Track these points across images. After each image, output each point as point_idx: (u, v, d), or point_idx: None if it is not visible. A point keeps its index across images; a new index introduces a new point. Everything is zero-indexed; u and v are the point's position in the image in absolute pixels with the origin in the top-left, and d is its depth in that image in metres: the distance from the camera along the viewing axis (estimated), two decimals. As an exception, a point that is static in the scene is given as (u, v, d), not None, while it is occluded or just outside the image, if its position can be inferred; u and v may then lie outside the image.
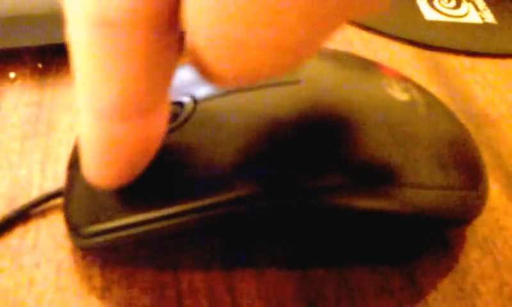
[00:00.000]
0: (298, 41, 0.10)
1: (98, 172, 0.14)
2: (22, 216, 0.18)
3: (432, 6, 0.30)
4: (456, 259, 0.18)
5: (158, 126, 0.13)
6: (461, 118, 0.23)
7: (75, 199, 0.16)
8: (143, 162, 0.14)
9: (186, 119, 0.16)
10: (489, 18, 0.29)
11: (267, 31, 0.09)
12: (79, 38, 0.11)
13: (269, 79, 0.14)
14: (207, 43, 0.10)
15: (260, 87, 0.16)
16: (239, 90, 0.16)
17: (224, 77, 0.11)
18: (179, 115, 0.16)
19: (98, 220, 0.15)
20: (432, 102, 0.18)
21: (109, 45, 0.11)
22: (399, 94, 0.17)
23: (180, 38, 0.12)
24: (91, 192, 0.16)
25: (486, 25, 0.29)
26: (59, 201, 0.18)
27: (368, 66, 0.18)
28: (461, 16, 0.29)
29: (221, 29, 0.09)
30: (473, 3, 0.30)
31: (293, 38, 0.10)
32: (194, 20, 0.10)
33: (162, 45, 0.11)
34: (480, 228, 0.19)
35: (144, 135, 0.13)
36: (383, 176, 0.16)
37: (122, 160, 0.13)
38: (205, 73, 0.12)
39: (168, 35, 0.11)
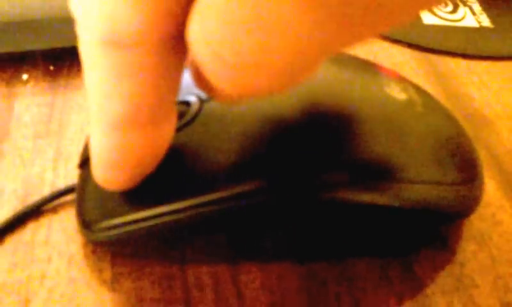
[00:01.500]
0: (302, 64, 0.10)
1: (108, 176, 0.14)
2: (34, 212, 0.18)
3: (430, 10, 0.30)
4: (453, 252, 0.18)
5: (166, 132, 0.13)
6: (458, 117, 0.22)
7: (87, 195, 0.16)
8: (150, 166, 0.14)
9: (193, 118, 0.16)
10: (485, 22, 0.30)
11: (274, 55, 0.09)
12: (89, 55, 0.12)
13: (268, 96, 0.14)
14: (211, 65, 0.10)
15: None
16: None
17: (225, 95, 0.11)
18: (186, 114, 0.16)
19: (108, 215, 0.16)
20: (429, 101, 0.19)
21: (119, 63, 0.11)
22: (397, 93, 0.18)
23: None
24: (102, 188, 0.16)
25: (482, 29, 0.29)
26: (70, 197, 0.18)
27: (367, 67, 0.19)
28: (458, 20, 0.29)
29: (226, 53, 0.09)
30: (470, 8, 0.31)
31: (297, 62, 0.10)
32: (199, 42, 0.10)
33: (169, 61, 0.12)
34: (476, 222, 0.19)
35: (153, 142, 0.13)
36: (382, 172, 0.16)
37: (131, 166, 0.13)
38: (206, 89, 0.12)
39: (175, 52, 0.12)
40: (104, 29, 0.11)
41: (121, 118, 0.12)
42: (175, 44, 0.11)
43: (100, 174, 0.14)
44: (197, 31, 0.10)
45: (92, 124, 0.13)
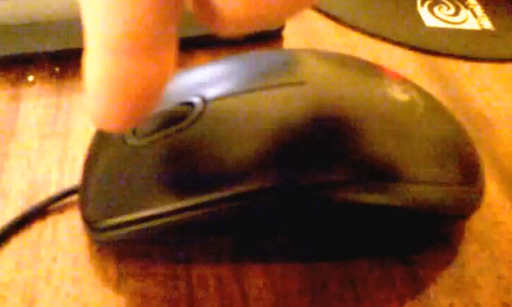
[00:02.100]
0: None
1: (105, 111, 0.13)
2: (40, 212, 0.18)
3: (433, 13, 0.30)
4: (454, 253, 0.18)
5: (166, 63, 0.13)
6: (460, 119, 0.23)
7: (91, 195, 0.17)
8: (149, 103, 0.13)
9: (196, 119, 0.16)
10: (487, 24, 0.30)
11: None
12: None
13: (273, 24, 0.13)
14: None
15: (267, 88, 0.17)
16: (246, 91, 0.17)
17: (229, 19, 0.11)
18: (189, 115, 0.16)
19: (112, 215, 0.16)
20: (431, 102, 0.19)
21: None
22: (399, 95, 0.18)
23: None
24: (106, 188, 0.16)
25: (483, 32, 0.29)
26: (75, 197, 0.18)
27: (369, 68, 0.19)
28: (460, 23, 0.30)
29: None
30: (472, 10, 0.31)
31: None
32: None
33: None
34: (478, 223, 0.19)
35: (152, 73, 0.12)
36: (384, 173, 0.16)
37: (129, 99, 0.12)
38: (206, 16, 0.11)
39: None
40: None
41: (119, 36, 0.11)
42: None
43: (96, 109, 0.13)
44: None
45: (87, 51, 0.12)
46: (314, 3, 0.10)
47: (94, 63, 0.12)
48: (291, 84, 0.17)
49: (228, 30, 0.11)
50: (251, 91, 0.17)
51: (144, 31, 0.11)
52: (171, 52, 0.13)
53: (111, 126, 0.13)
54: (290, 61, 0.18)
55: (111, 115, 0.12)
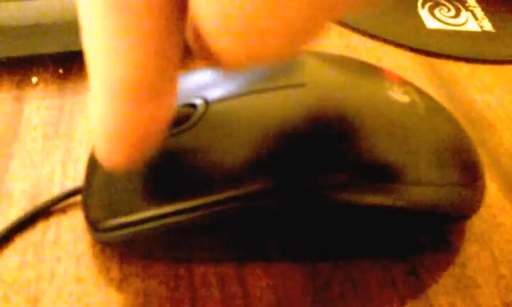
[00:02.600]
0: (308, 23, 0.10)
1: (108, 151, 0.13)
2: (43, 212, 0.18)
3: (433, 15, 0.30)
4: (455, 253, 0.18)
5: (167, 107, 0.13)
6: (460, 120, 0.23)
7: (94, 195, 0.17)
8: (150, 144, 0.14)
9: (198, 120, 0.16)
10: (487, 26, 0.30)
11: (281, 15, 0.09)
12: (91, 18, 0.12)
13: (276, 62, 0.14)
14: (216, 29, 0.10)
15: (268, 90, 0.17)
16: (248, 93, 0.17)
17: (232, 62, 0.11)
18: (192, 116, 0.17)
19: (115, 216, 0.16)
20: (431, 104, 0.19)
21: (122, 27, 0.11)
22: (400, 96, 0.18)
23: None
24: (109, 188, 0.16)
25: (484, 33, 0.29)
26: (79, 198, 0.18)
27: (370, 70, 0.19)
28: (460, 25, 0.30)
29: (233, 18, 0.09)
30: (472, 12, 0.31)
31: (304, 21, 0.09)
32: (204, 7, 0.10)
33: (172, 25, 0.12)
34: (478, 223, 0.19)
35: (155, 114, 0.13)
36: (385, 174, 0.16)
37: (132, 141, 0.13)
38: (206, 55, 0.12)
39: (177, 17, 0.12)
40: None
41: (124, 84, 0.12)
42: (177, 7, 0.11)
43: (100, 148, 0.13)
44: None
45: (92, 95, 0.13)
46: (316, 40, 0.11)
47: (97, 104, 0.12)
48: (292, 86, 0.17)
49: (230, 68, 0.12)
50: (252, 93, 0.17)
51: (149, 74, 0.12)
52: (172, 96, 0.13)
53: (114, 165, 0.13)
54: (292, 63, 0.18)
55: (113, 155, 0.13)
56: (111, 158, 0.13)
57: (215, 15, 0.10)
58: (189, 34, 0.12)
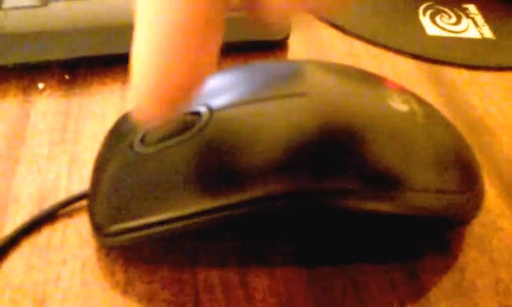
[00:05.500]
0: None
1: (149, 103, 0.13)
2: (49, 216, 0.18)
3: (434, 22, 0.31)
4: (455, 257, 0.18)
5: (208, 62, 0.13)
6: (460, 126, 0.23)
7: (99, 200, 0.17)
8: (188, 96, 0.13)
9: (203, 128, 0.17)
10: (488, 33, 0.30)
11: None
12: None
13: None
14: None
15: (271, 98, 0.17)
16: (251, 101, 0.17)
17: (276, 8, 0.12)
18: (197, 123, 0.17)
19: (120, 220, 0.16)
20: (430, 112, 0.19)
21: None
22: (400, 105, 0.18)
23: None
24: (114, 194, 0.17)
25: (484, 40, 0.29)
26: (84, 202, 0.18)
27: (370, 79, 0.19)
28: (461, 32, 0.30)
29: None
30: (473, 19, 0.31)
31: None
32: None
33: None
34: (477, 228, 0.19)
35: (195, 67, 0.13)
36: (386, 181, 0.16)
37: (172, 91, 0.13)
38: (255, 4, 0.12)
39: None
40: None
41: (172, 28, 0.12)
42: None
43: (140, 98, 0.13)
44: None
45: (136, 45, 0.13)
46: None
47: (141, 53, 0.12)
48: (294, 95, 0.17)
49: (273, 17, 0.12)
50: (255, 101, 0.17)
51: (196, 21, 0.12)
52: (214, 51, 0.13)
53: (152, 112, 0.13)
54: (294, 72, 0.18)
55: (152, 104, 0.13)
56: (149, 109, 0.13)
57: None
58: None
